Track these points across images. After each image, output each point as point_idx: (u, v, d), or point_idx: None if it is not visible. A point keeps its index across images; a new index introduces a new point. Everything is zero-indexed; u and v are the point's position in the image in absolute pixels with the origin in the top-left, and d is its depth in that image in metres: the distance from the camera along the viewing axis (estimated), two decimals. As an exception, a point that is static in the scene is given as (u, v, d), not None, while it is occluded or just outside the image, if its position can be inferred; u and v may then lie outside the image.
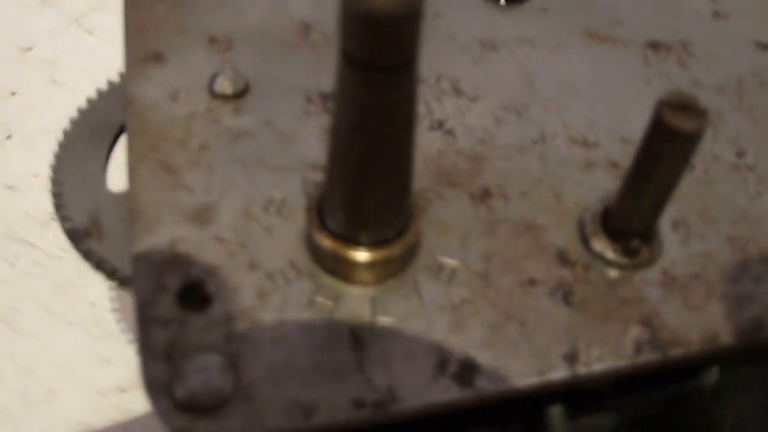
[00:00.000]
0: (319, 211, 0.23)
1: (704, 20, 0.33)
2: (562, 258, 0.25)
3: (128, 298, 0.39)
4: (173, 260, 0.23)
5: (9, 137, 0.48)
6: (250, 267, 0.23)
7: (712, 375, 0.28)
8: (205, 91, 0.26)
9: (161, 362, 0.21)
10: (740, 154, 0.29)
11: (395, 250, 0.23)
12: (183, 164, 0.25)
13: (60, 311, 0.39)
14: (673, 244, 0.26)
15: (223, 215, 0.24)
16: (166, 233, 0.23)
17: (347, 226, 0.22)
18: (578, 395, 0.27)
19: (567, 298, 0.24)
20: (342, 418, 0.21)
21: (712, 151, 0.29)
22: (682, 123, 0.21)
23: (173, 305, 0.22)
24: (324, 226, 0.22)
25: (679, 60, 0.31)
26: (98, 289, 0.40)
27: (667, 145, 0.22)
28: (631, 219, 0.24)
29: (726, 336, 0.25)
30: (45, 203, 0.40)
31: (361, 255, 0.22)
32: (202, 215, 0.24)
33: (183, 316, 0.22)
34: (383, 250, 0.22)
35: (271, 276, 0.23)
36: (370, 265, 0.23)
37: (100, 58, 0.51)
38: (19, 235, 0.43)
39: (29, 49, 0.52)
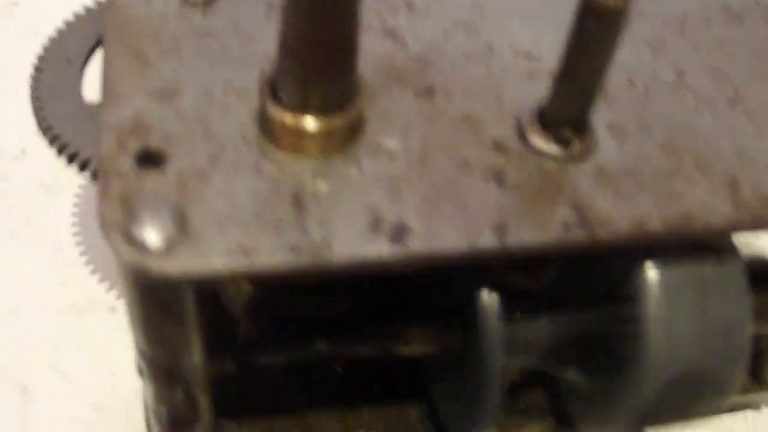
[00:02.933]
0: (271, 85, 0.25)
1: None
2: (498, 147, 0.27)
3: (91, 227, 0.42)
4: (136, 127, 0.25)
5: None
6: (205, 138, 0.25)
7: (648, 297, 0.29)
8: None
9: (117, 206, 0.23)
10: (680, 75, 0.31)
11: (338, 121, 0.25)
12: (154, 54, 0.27)
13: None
14: (609, 144, 0.28)
15: (186, 95, 0.26)
16: (132, 106, 0.25)
17: (294, 92, 0.24)
18: (514, 300, 0.29)
19: (500, 179, 0.26)
20: (279, 261, 0.23)
21: (652, 71, 0.31)
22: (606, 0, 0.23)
23: (132, 163, 0.24)
24: (275, 98, 0.25)
25: (629, -4, 0.34)
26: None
27: (592, 24, 0.24)
28: (561, 108, 0.26)
29: (654, 223, 0.26)
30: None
31: (307, 124, 0.25)
32: (166, 94, 0.26)
33: (140, 172, 0.24)
34: (327, 120, 0.25)
35: (224, 146, 0.25)
36: (314, 136, 0.25)
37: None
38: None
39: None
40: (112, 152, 0.24)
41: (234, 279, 0.25)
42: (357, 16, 0.23)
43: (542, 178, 0.26)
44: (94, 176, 0.30)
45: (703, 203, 0.27)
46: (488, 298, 0.28)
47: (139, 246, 0.22)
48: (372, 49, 0.29)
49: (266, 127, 0.25)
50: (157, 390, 0.27)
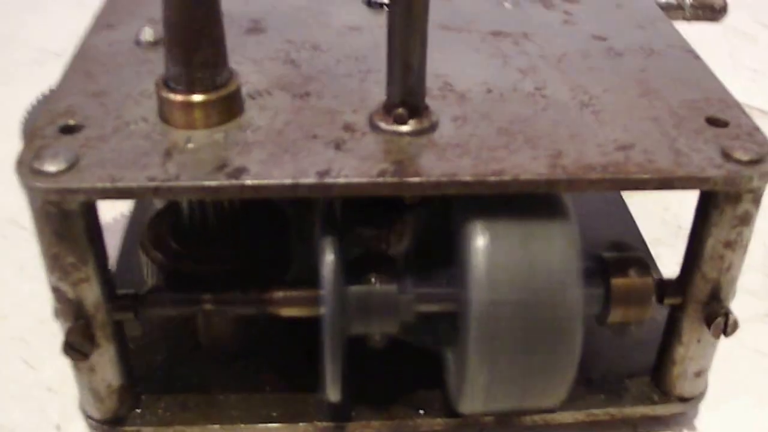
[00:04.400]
0: (164, 79, 0.33)
1: (553, 24, 0.42)
2: (347, 127, 0.33)
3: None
4: (66, 112, 0.33)
5: None
6: (116, 119, 0.33)
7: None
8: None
9: (31, 153, 0.31)
10: (539, 88, 0.36)
11: (214, 96, 0.32)
12: (99, 72, 0.36)
13: None
14: (447, 127, 0.33)
15: (111, 96, 0.35)
16: (69, 101, 0.34)
17: (178, 75, 0.32)
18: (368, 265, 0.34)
19: (338, 146, 0.32)
20: (135, 186, 0.30)
21: (513, 85, 0.36)
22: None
23: (54, 131, 0.32)
24: (167, 86, 0.33)
25: (515, 42, 0.40)
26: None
27: (395, 8, 0.30)
28: (394, 90, 0.32)
29: (465, 176, 0.31)
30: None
31: (190, 98, 0.32)
32: (96, 94, 0.35)
33: (57, 136, 0.32)
34: (206, 95, 0.32)
35: (127, 123, 0.33)
36: (195, 109, 0.32)
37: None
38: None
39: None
40: (42, 125, 0.33)
41: (105, 197, 0.31)
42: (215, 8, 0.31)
43: (376, 147, 0.32)
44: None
45: (519, 165, 0.31)
46: (330, 261, 0.32)
47: (36, 173, 0.30)
48: (270, 71, 0.36)
49: (162, 110, 0.33)
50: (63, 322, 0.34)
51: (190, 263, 0.36)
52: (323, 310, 0.32)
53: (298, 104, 0.34)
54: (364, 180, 0.30)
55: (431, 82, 0.34)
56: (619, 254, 0.35)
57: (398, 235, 0.34)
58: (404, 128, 0.33)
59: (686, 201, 0.38)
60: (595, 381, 0.39)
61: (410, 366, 0.39)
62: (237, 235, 0.38)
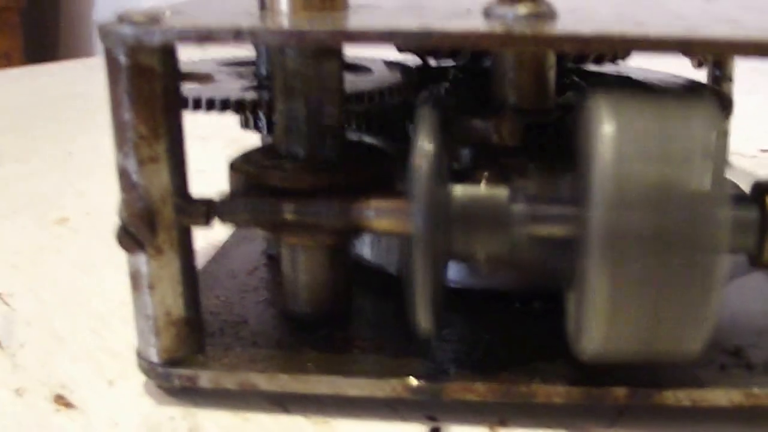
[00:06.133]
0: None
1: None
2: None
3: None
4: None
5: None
6: None
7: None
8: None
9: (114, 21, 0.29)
10: None
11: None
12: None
13: None
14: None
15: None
16: None
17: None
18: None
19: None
20: (220, 25, 0.27)
21: None
22: None
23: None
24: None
25: None
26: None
27: None
28: None
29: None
30: None
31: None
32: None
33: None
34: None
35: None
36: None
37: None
38: None
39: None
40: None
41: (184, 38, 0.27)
42: None
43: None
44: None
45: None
46: (427, 151, 0.27)
47: (116, 23, 0.27)
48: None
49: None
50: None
51: (278, 174, 0.31)
52: (414, 214, 0.27)
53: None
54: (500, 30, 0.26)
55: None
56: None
57: (513, 128, 0.29)
58: (521, 10, 0.29)
59: None
60: (756, 366, 0.31)
61: (530, 329, 0.32)
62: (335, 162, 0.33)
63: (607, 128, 0.25)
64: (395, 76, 0.37)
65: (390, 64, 0.39)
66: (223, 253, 0.41)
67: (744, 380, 0.30)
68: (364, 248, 0.38)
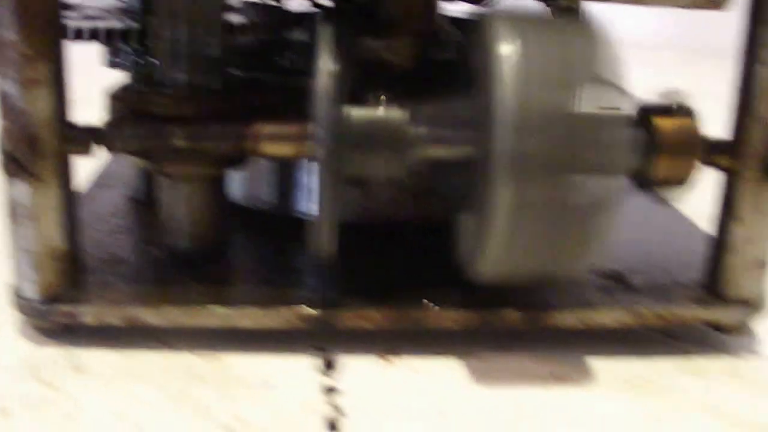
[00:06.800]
0: None
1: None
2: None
3: None
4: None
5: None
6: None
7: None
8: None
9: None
10: None
11: None
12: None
13: None
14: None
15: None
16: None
17: None
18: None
19: None
20: None
21: None
22: None
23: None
24: None
25: None
26: None
27: None
28: None
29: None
30: None
31: None
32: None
33: None
34: None
35: None
36: None
37: None
38: None
39: None
40: None
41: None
42: None
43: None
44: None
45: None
46: (327, 71, 0.27)
47: None
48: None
49: None
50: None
51: (164, 101, 0.30)
52: (317, 135, 0.27)
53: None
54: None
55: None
56: (661, 101, 0.30)
57: (411, 48, 0.29)
58: None
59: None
60: (638, 287, 0.32)
61: (422, 259, 0.33)
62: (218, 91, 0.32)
63: (506, 49, 0.26)
64: (263, 15, 0.37)
65: (256, 6, 0.39)
66: (85, 198, 0.39)
67: (630, 302, 0.31)
68: (234, 187, 0.37)
